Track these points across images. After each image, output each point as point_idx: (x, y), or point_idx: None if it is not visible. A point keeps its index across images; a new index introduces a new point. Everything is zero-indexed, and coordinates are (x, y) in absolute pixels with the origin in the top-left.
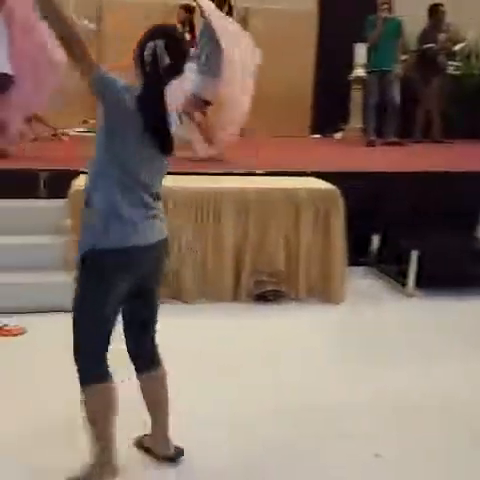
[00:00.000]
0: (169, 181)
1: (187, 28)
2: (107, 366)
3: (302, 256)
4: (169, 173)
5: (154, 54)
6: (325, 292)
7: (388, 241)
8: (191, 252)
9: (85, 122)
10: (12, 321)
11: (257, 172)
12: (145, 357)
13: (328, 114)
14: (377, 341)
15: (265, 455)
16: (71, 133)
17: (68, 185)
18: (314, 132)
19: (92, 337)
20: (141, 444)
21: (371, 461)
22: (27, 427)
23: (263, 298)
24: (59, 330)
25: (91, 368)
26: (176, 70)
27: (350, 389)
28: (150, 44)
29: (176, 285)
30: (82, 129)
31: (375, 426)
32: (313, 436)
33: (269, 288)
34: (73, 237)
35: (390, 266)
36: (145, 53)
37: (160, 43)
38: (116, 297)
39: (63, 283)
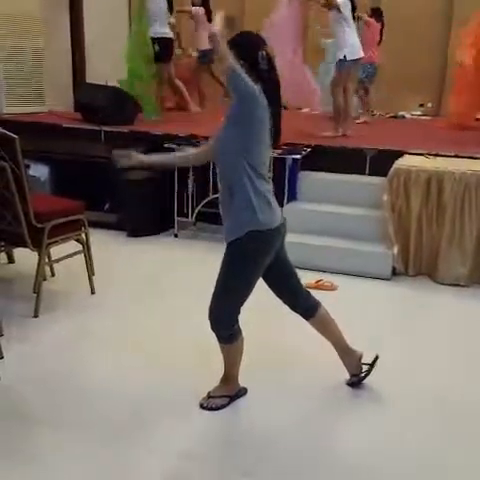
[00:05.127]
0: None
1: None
2: None
3: None
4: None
5: (269, 63)
6: None
7: None
8: None
9: (421, 106)
10: (326, 278)
11: None
12: (305, 308)
13: None
14: None
15: None
16: (407, 116)
17: (391, 163)
18: None
19: None
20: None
21: None
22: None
23: None
24: (362, 292)
25: None
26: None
27: None
28: (261, 53)
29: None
30: (418, 112)
31: None
32: None
33: None
34: (387, 212)
35: None
36: (260, 62)
37: (264, 53)
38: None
39: (374, 252)
